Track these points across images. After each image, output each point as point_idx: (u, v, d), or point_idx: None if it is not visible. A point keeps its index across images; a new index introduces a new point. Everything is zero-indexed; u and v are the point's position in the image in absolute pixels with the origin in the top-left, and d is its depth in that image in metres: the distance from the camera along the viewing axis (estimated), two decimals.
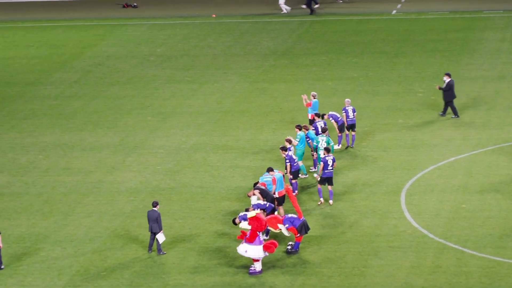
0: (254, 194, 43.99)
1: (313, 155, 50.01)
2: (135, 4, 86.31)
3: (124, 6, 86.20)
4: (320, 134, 49.98)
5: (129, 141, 57.18)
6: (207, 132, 58.20)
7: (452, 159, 52.22)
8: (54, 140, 58.01)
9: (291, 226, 41.86)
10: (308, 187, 49.01)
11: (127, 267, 42.37)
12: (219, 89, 65.07)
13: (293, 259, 41.73)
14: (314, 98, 54.42)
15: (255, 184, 44.94)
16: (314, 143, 49.45)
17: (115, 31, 78.94)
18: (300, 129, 50.11)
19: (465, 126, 56.65)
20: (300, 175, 48.87)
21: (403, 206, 47.23)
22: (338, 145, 51.99)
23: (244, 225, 41.05)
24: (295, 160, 47.83)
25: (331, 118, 52.68)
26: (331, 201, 47.52)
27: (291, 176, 47.71)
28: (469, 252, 42.19)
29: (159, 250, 42.96)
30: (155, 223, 42.51)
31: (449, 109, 58.14)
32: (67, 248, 44.59)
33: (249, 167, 49.29)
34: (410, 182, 49.73)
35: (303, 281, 40.38)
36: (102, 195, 50.23)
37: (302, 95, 55.51)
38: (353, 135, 53.68)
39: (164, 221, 43.08)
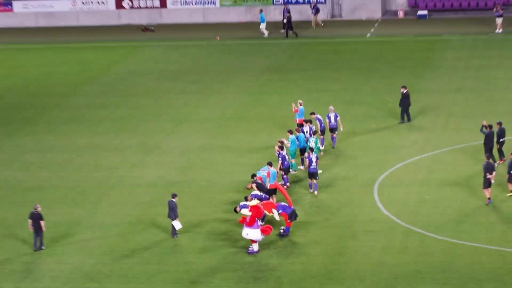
0: (252, 187, 44.20)
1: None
2: (152, 28, 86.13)
3: (143, 30, 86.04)
4: (310, 136, 50.17)
5: (147, 143, 57.37)
6: (213, 135, 58.44)
7: (417, 157, 52.48)
8: (85, 142, 58.18)
9: (283, 212, 42.43)
10: (299, 181, 49.18)
11: (146, 248, 42.73)
12: (222, 99, 65.23)
13: (284, 241, 42.25)
14: (301, 105, 54.79)
15: (253, 175, 45.15)
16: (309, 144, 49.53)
17: (136, 51, 78.98)
18: (291, 133, 50.19)
19: (427, 130, 56.92)
20: (290, 170, 48.98)
21: (376, 197, 47.53)
22: (321, 146, 52.03)
23: (245, 211, 41.30)
24: (287, 159, 48.05)
25: (317, 120, 52.93)
26: (316, 192, 47.70)
27: (282, 172, 47.88)
28: (431, 235, 42.58)
29: (173, 233, 43.13)
30: (172, 211, 42.70)
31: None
32: (96, 232, 44.90)
33: (247, 164, 49.47)
34: (382, 177, 50.02)
35: (293, 259, 40.81)
36: (125, 188, 50.55)
37: (292, 104, 55.90)
38: (334, 137, 53.82)
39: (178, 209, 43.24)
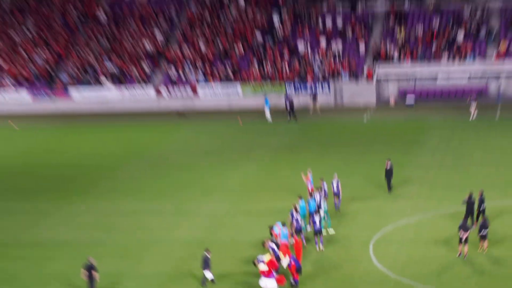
0: (268, 245, 44.92)
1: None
2: (186, 113, 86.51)
3: (178, 115, 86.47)
4: (321, 201, 51.05)
5: (181, 208, 57.81)
6: (235, 202, 58.83)
7: (405, 221, 52.68)
8: (130, 208, 58.66)
9: (293, 264, 43.01)
10: (308, 240, 49.24)
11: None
12: (243, 172, 65.73)
13: None
14: (310, 173, 55.75)
15: (270, 227, 47.11)
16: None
17: (172, 132, 79.78)
18: (301, 199, 51.06)
19: (414, 198, 57.32)
20: (302, 231, 49.08)
21: (371, 253, 47.79)
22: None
23: (262, 266, 41.91)
24: (299, 221, 48.64)
25: (323, 185, 53.56)
26: (322, 245, 48.45)
27: (294, 232, 48.20)
28: (416, 284, 43.03)
29: (203, 283, 43.78)
30: (204, 264, 43.45)
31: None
32: (139, 282, 45.76)
33: (264, 225, 49.13)
34: (376, 236, 50.31)
35: None
36: (163, 245, 50.98)
37: (302, 173, 56.53)
38: (339, 201, 54.44)
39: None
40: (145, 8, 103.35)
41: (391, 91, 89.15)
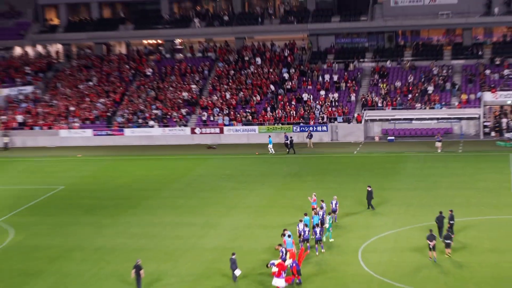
0: (278, 248, 45.09)
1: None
2: (214, 146, 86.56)
3: (208, 148, 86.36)
4: (323, 216, 51.48)
5: (210, 222, 57.27)
6: (253, 217, 58.31)
7: (387, 233, 52.27)
8: (169, 220, 58.32)
9: (295, 266, 42.82)
10: (311, 247, 48.88)
11: (220, 285, 42.75)
12: (259, 193, 65.25)
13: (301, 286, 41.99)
14: (315, 196, 55.47)
15: (284, 230, 47.37)
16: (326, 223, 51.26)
17: (203, 162, 79.27)
18: (306, 215, 51.01)
19: (394, 215, 56.64)
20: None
21: (360, 258, 47.34)
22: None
23: (274, 268, 41.79)
24: (306, 232, 48.75)
25: (323, 205, 53.52)
26: (323, 250, 48.54)
27: (301, 241, 48.74)
28: (395, 283, 42.56)
29: (234, 278, 43.84)
30: (233, 264, 43.57)
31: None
32: (177, 279, 45.25)
33: (276, 236, 49.05)
34: (363, 245, 49.81)
35: None
36: (195, 251, 50.70)
37: (308, 198, 56.19)
38: (335, 216, 54.05)
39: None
40: (183, 65, 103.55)
41: (375, 130, 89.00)
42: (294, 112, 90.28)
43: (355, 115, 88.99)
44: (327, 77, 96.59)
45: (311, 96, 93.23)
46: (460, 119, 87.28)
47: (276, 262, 42.44)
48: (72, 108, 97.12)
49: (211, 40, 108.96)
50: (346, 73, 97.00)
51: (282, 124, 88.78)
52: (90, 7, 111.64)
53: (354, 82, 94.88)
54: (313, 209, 53.59)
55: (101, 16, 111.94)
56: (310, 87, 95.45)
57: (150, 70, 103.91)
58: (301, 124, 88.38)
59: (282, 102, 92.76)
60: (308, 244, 48.95)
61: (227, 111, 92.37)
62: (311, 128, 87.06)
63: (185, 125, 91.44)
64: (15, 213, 62.07)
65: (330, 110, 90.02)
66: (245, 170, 74.94)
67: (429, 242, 46.31)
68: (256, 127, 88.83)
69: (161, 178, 72.46)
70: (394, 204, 59.70)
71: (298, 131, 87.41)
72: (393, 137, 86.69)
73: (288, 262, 42.87)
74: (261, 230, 54.27)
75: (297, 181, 69.10)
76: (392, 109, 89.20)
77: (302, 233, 49.02)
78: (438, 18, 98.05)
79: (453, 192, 62.38)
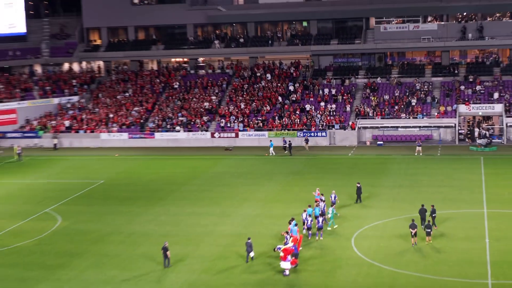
0: (284, 234, 44.79)
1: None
2: (230, 148, 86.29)
3: (225, 150, 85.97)
4: (324, 207, 51.45)
5: (225, 211, 57.22)
6: (262, 208, 58.14)
7: (376, 223, 52.08)
8: (191, 211, 58.17)
9: (293, 249, 42.98)
10: (313, 234, 48.51)
11: (228, 269, 42.54)
12: (267, 188, 65.05)
13: (299, 269, 41.74)
14: (318, 190, 55.78)
15: (292, 218, 47.23)
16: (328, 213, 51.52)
17: (221, 161, 78.96)
18: (309, 206, 51.00)
19: (381, 208, 56.45)
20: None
21: (352, 244, 47.20)
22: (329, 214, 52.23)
23: (281, 253, 41.73)
24: (309, 221, 49.16)
25: (322, 198, 53.67)
26: (321, 238, 48.46)
27: (305, 229, 49.05)
28: (382, 266, 42.45)
29: (247, 260, 44.09)
30: (249, 247, 43.73)
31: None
32: (197, 260, 44.95)
33: (282, 224, 49.28)
34: (356, 233, 49.68)
35: (304, 278, 40.53)
36: (214, 236, 50.64)
37: (313, 192, 55.98)
38: (333, 208, 53.58)
39: (244, 247, 43.05)
40: (205, 80, 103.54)
41: (367, 136, 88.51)
42: (298, 120, 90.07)
43: (350, 123, 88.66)
44: (326, 90, 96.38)
45: (313, 106, 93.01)
46: (439, 127, 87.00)
47: (282, 247, 42.42)
48: (111, 115, 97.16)
49: (229, 58, 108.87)
50: (342, 88, 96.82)
51: (288, 130, 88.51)
52: (127, 30, 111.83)
53: (349, 95, 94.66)
54: (316, 201, 53.40)
55: (137, 38, 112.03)
56: (312, 99, 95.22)
57: (177, 83, 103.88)
58: (304, 130, 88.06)
59: (288, 112, 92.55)
60: (310, 232, 48.90)
61: (241, 119, 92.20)
62: (307, 134, 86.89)
63: (206, 130, 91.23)
64: (62, 203, 62.20)
65: (328, 118, 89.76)
66: (256, 168, 74.66)
67: (411, 230, 46.43)
68: (266, 132, 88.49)
69: (185, 175, 72.27)
70: (382, 198, 59.44)
71: (301, 136, 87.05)
72: (381, 142, 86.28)
73: (290, 245, 42.72)
74: (269, 219, 54.09)
75: (299, 178, 68.77)
76: (381, 118, 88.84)
77: (306, 222, 49.14)
78: (421, 41, 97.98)
79: (432, 189, 62.05)
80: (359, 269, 42.75)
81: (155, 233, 51.65)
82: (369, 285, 40.14)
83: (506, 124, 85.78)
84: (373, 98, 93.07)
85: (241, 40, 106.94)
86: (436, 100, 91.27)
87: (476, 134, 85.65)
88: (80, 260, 46.46)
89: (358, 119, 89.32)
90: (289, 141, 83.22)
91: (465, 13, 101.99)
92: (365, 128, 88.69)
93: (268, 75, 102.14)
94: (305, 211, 50.23)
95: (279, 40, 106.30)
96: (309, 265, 43.39)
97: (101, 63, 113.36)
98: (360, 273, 42.10)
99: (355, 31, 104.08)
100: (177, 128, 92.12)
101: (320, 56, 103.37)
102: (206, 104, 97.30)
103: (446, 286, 39.78)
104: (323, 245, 47.51)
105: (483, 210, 54.81)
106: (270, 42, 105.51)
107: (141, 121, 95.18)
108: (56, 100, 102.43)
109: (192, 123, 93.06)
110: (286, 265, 41.89)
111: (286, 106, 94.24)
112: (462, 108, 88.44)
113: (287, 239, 44.06)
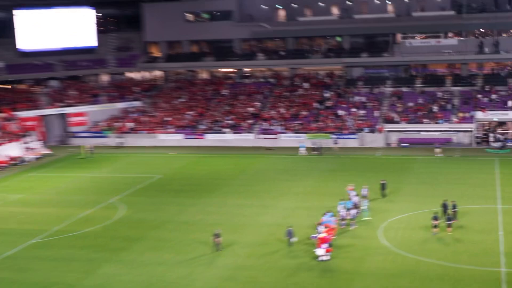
0: (319, 223, 44.42)
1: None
2: (272, 148, 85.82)
3: (267, 149, 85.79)
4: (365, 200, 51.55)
5: (266, 204, 57.00)
6: (300, 201, 57.79)
7: (400, 216, 51.49)
8: (236, 202, 58.10)
9: (327, 237, 42.49)
10: (347, 224, 48.15)
11: (271, 253, 42.50)
12: (304, 183, 64.73)
13: (332, 256, 41.39)
14: (351, 185, 55.18)
15: (325, 213, 46.81)
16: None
17: (263, 159, 78.61)
18: (342, 200, 50.72)
19: (405, 202, 55.76)
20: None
21: (379, 234, 46.62)
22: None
23: (316, 239, 41.51)
24: (344, 212, 49.02)
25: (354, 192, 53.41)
26: (354, 227, 48.22)
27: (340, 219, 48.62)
28: (407, 254, 41.69)
29: (289, 244, 43.75)
30: (289, 234, 43.92)
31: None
32: (242, 246, 44.90)
33: (318, 215, 48.64)
34: (382, 225, 49.11)
35: (337, 262, 40.13)
36: (255, 225, 50.46)
37: (346, 187, 55.50)
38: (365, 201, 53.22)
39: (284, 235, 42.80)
40: (250, 87, 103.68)
41: (393, 139, 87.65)
42: (332, 124, 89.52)
43: (378, 127, 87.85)
44: (357, 98, 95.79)
45: (345, 112, 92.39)
46: (458, 131, 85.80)
47: (318, 236, 42.19)
48: (168, 118, 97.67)
49: (271, 69, 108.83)
50: (371, 95, 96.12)
51: (322, 132, 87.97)
52: (183, 43, 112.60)
53: (377, 102, 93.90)
54: (349, 195, 53.02)
55: (190, 51, 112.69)
56: (344, 105, 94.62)
57: (225, 91, 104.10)
58: (336, 133, 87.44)
59: (323, 116, 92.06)
60: (344, 222, 48.51)
61: (282, 122, 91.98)
62: (338, 137, 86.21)
63: (250, 132, 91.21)
64: (125, 194, 62.66)
65: (359, 122, 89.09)
66: (293, 166, 74.22)
67: (433, 222, 45.80)
68: (303, 135, 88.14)
69: (231, 171, 72.23)
70: (406, 194, 58.76)
71: (334, 138, 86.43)
72: (406, 144, 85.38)
73: (323, 234, 42.39)
74: (306, 211, 53.66)
75: (333, 175, 68.25)
76: (406, 123, 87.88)
77: (341, 213, 48.74)
78: (442, 55, 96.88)
79: (451, 186, 61.11)
80: (385, 256, 42.17)
81: (204, 222, 51.56)
82: (394, 271, 39.58)
83: None
84: (398, 105, 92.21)
85: (282, 53, 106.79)
86: (455, 107, 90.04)
87: (491, 137, 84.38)
88: (139, 244, 46.71)
89: (385, 123, 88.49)
90: (320, 142, 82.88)
91: (482, 30, 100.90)
92: (391, 131, 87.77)
93: (306, 84, 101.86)
94: (339, 204, 49.86)
95: (315, 53, 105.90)
96: (342, 252, 42.92)
97: (159, 72, 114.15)
98: (387, 260, 41.50)
99: (383, 45, 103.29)
100: (225, 130, 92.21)
101: (351, 67, 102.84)
102: (251, 109, 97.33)
103: (464, 273, 39.08)
104: (354, 234, 47.02)
105: (497, 206, 53.82)
106: (307, 54, 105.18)
107: (194, 123, 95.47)
108: (120, 105, 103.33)
109: (238, 125, 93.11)
110: (320, 252, 41.61)
111: (321, 111, 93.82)
112: (479, 115, 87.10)
113: (318, 229, 43.80)
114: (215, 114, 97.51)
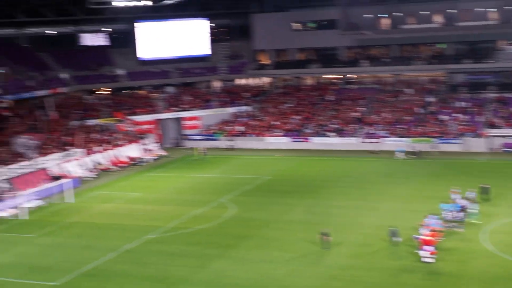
0: (422, 225, 43.40)
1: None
2: (376, 152, 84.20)
3: (371, 153, 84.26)
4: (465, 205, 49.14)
5: (367, 205, 55.90)
6: (402, 203, 56.36)
7: (506, 220, 48.89)
8: (340, 203, 57.30)
9: (431, 240, 40.86)
10: (455, 227, 46.59)
11: (374, 252, 41.43)
12: (406, 187, 63.00)
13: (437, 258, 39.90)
14: (455, 189, 52.82)
15: (428, 215, 45.31)
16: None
17: (366, 163, 77.07)
18: (445, 203, 49.02)
19: (509, 207, 52.79)
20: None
21: (485, 238, 44.69)
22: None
23: (419, 240, 40.32)
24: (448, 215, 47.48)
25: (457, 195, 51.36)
26: (462, 230, 46.28)
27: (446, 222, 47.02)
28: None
29: (393, 243, 42.80)
30: (393, 234, 43.13)
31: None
32: (344, 244, 44.15)
33: (419, 218, 47.01)
34: (485, 229, 47.06)
35: (441, 265, 38.64)
36: (355, 226, 49.61)
37: (450, 190, 53.51)
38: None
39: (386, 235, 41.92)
40: (354, 93, 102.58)
41: (496, 143, 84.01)
42: (435, 129, 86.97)
43: (481, 132, 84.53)
44: (460, 103, 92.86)
45: (448, 117, 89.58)
46: None
47: (420, 237, 41.03)
48: (275, 122, 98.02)
49: (375, 75, 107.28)
50: (474, 101, 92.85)
51: (426, 137, 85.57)
52: (289, 51, 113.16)
53: (480, 107, 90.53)
54: (452, 198, 51.05)
55: (297, 58, 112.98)
56: (448, 110, 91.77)
57: (331, 96, 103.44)
58: (439, 137, 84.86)
59: (425, 121, 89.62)
60: (450, 224, 46.83)
61: (385, 127, 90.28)
62: (440, 141, 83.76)
63: (354, 136, 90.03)
64: (235, 194, 63.27)
65: (462, 127, 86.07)
66: (396, 169, 72.67)
67: None
68: (406, 139, 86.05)
69: (335, 173, 71.52)
70: (510, 198, 56.03)
71: (437, 143, 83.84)
72: (510, 149, 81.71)
73: (427, 237, 41.01)
74: (410, 213, 52.14)
75: (436, 178, 66.20)
76: (510, 128, 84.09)
77: (446, 216, 47.25)
78: None
79: None
80: (491, 260, 40.30)
81: (309, 222, 51.17)
82: (498, 276, 37.74)
83: None
84: (502, 110, 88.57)
85: (386, 59, 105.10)
86: None
87: None
88: (247, 242, 46.93)
89: (488, 128, 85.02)
90: (418, 147, 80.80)
91: None
92: (494, 136, 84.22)
93: (409, 90, 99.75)
94: (441, 206, 48.23)
95: (418, 59, 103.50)
96: (446, 255, 41.36)
97: (267, 79, 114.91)
98: (492, 264, 39.65)
99: (486, 51, 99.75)
100: (330, 134, 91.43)
101: (454, 73, 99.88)
102: (355, 113, 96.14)
103: None
104: (459, 237, 45.25)
105: None
106: (410, 61, 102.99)
107: (300, 127, 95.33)
108: (231, 109, 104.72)
109: (342, 129, 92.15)
110: (422, 253, 40.35)
111: (425, 116, 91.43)
112: None
113: (420, 231, 42.59)
114: (320, 118, 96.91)
